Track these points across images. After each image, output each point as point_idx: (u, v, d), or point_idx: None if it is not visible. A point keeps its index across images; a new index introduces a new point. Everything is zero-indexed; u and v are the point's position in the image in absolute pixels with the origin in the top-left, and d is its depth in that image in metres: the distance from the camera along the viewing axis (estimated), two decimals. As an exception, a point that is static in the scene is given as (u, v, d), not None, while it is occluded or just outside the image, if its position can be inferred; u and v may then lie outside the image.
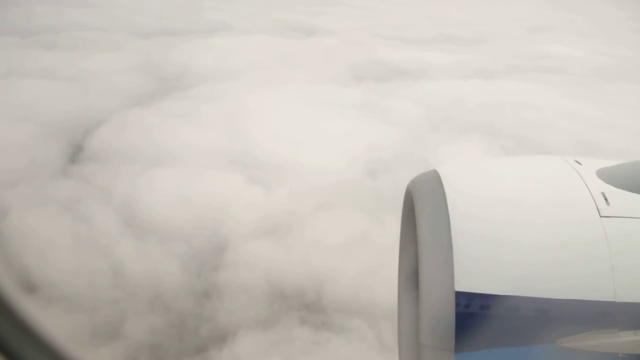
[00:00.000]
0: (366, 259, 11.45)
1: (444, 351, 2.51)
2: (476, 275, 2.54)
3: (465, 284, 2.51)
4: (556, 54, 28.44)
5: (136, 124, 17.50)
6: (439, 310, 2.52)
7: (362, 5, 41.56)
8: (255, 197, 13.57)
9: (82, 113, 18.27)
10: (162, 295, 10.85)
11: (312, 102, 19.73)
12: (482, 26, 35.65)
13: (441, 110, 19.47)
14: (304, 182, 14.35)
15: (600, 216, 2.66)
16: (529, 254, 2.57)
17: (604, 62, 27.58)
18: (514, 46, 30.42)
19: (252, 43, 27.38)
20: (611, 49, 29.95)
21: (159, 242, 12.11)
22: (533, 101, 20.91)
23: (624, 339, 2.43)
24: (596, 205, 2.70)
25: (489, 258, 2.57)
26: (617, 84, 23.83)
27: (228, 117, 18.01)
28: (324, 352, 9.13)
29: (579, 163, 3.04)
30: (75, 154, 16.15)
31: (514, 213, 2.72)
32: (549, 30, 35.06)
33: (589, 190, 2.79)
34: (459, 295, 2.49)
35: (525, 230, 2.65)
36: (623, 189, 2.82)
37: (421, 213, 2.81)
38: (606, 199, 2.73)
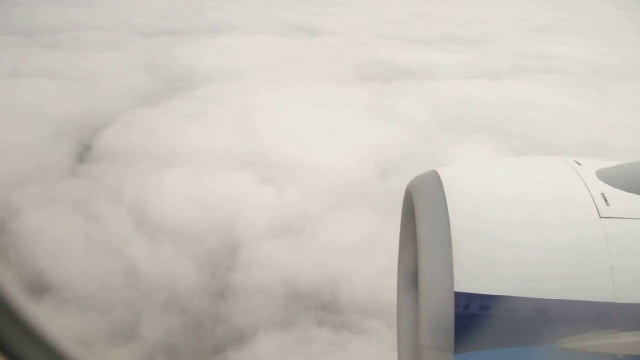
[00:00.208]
0: (381, 259, 11.40)
1: (443, 352, 2.50)
2: (476, 275, 2.54)
3: (465, 284, 2.50)
4: (559, 54, 28.49)
5: (144, 124, 17.44)
6: (438, 310, 2.52)
7: (362, 5, 41.57)
8: (266, 197, 13.53)
9: (89, 113, 18.21)
10: (177, 296, 10.80)
11: (319, 102, 19.70)
12: (483, 26, 35.69)
13: (448, 111, 19.48)
14: (314, 182, 14.31)
15: (600, 217, 2.65)
16: (529, 255, 2.57)
17: (607, 62, 27.66)
18: (516, 46, 30.45)
19: (256, 43, 27.34)
20: (613, 49, 30.03)
21: (171, 242, 12.06)
22: (539, 101, 20.93)
23: (624, 340, 2.42)
24: (596, 206, 2.70)
25: (489, 259, 2.57)
26: (621, 84, 23.88)
27: (236, 117, 17.97)
28: (345, 353, 9.10)
29: (579, 164, 3.04)
30: (84, 153, 16.09)
31: (514, 214, 2.72)
32: (551, 31, 35.17)
33: (589, 191, 2.79)
34: (459, 295, 2.49)
35: (524, 230, 2.65)
36: (623, 189, 2.82)
37: (421, 213, 2.81)
38: (606, 200, 2.73)
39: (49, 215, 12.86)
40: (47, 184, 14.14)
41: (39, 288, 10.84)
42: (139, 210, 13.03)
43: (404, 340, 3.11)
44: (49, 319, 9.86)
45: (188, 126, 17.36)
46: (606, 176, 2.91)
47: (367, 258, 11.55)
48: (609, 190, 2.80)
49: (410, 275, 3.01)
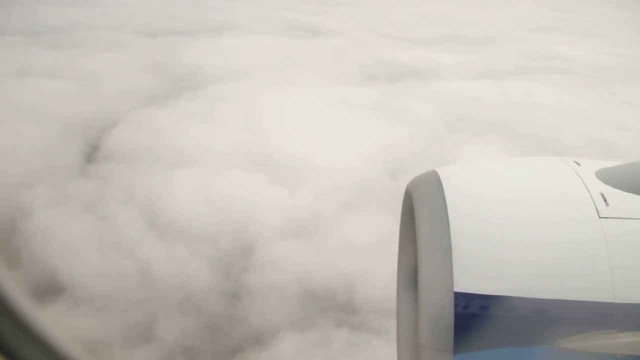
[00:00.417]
0: (395, 259, 11.36)
1: (442, 352, 2.51)
2: (475, 276, 2.54)
3: (465, 284, 2.51)
4: (563, 54, 28.50)
5: (151, 124, 17.39)
6: (438, 311, 2.52)
7: (364, 4, 41.53)
8: (278, 198, 13.48)
9: (96, 112, 18.16)
10: (192, 297, 10.76)
11: (326, 102, 19.67)
12: (485, 26, 35.67)
13: (456, 110, 19.46)
14: (325, 182, 14.27)
15: (600, 217, 2.66)
16: (528, 255, 2.58)
17: (610, 62, 27.67)
18: (520, 46, 30.45)
19: (260, 43, 27.28)
20: (615, 49, 30.06)
21: (184, 242, 12.01)
22: (545, 101, 20.94)
23: (623, 340, 2.43)
24: (595, 206, 2.71)
25: (488, 259, 2.58)
26: (625, 84, 23.89)
27: (243, 117, 17.93)
28: (366, 354, 9.06)
29: (578, 164, 3.05)
30: (92, 153, 16.03)
31: (513, 214, 2.73)
32: (552, 31, 35.17)
33: (588, 191, 2.79)
34: (458, 296, 2.49)
35: (524, 231, 2.66)
36: (622, 190, 2.83)
37: (420, 214, 2.82)
38: (605, 200, 2.74)
39: (60, 215, 12.80)
40: (56, 184, 14.08)
41: (53, 288, 10.80)
42: (151, 210, 12.99)
43: (403, 340, 3.12)
44: (64, 320, 9.81)
45: (196, 126, 17.30)
46: (606, 176, 2.92)
47: (381, 258, 11.49)
48: (609, 190, 2.81)
49: (410, 276, 3.03)
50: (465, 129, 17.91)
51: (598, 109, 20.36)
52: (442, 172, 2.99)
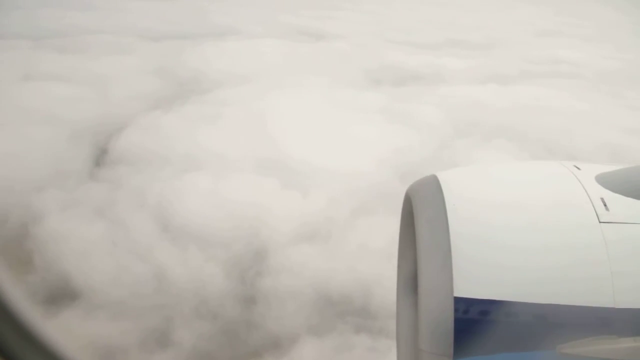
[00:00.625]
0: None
1: (442, 357, 2.50)
2: (475, 280, 2.54)
3: (464, 289, 2.50)
4: (567, 58, 28.60)
5: (160, 128, 17.35)
6: (437, 315, 2.51)
7: (366, 9, 41.61)
8: (291, 202, 13.42)
9: (103, 115, 18.13)
10: (208, 302, 10.69)
11: (333, 106, 19.65)
12: (488, 31, 35.75)
13: (463, 115, 19.45)
14: (336, 186, 14.22)
15: (600, 222, 2.65)
16: (528, 260, 2.56)
17: (614, 66, 27.74)
18: (524, 51, 30.51)
19: (264, 47, 27.30)
20: (619, 54, 30.14)
21: (198, 247, 11.94)
22: (552, 106, 20.96)
23: (624, 345, 2.41)
24: (595, 210, 2.70)
25: (488, 263, 2.57)
26: (631, 88, 23.93)
27: (251, 121, 17.87)
28: None
29: (578, 168, 3.04)
30: (100, 157, 15.97)
31: (513, 218, 2.72)
32: (556, 35, 35.27)
33: (588, 196, 2.78)
34: (458, 300, 2.49)
35: (524, 235, 2.65)
36: (622, 194, 2.81)
37: (420, 218, 2.81)
38: (605, 205, 2.72)
39: (72, 219, 12.73)
40: (67, 187, 14.03)
41: (68, 293, 10.72)
42: (163, 215, 12.91)
43: (403, 345, 3.10)
44: (81, 325, 9.73)
45: (204, 130, 17.26)
46: (605, 181, 2.90)
47: (396, 262, 11.45)
48: (609, 195, 2.79)
49: (410, 280, 3.01)
50: (474, 134, 17.90)
51: (606, 113, 20.37)
52: (442, 177, 2.98)
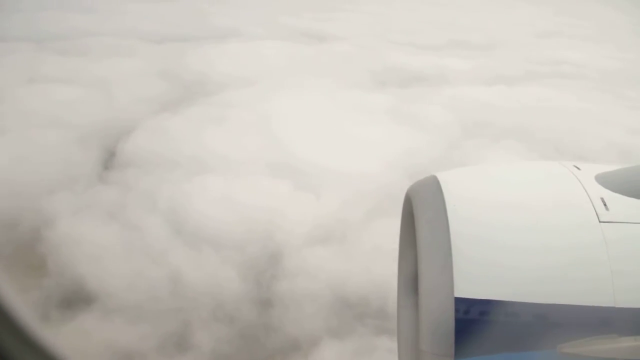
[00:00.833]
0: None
1: (443, 357, 2.50)
2: (476, 280, 2.53)
3: (465, 289, 2.50)
4: (571, 59, 28.63)
5: (167, 130, 17.28)
6: (438, 316, 2.51)
7: (367, 10, 41.61)
8: (304, 204, 13.36)
9: (110, 118, 18.04)
10: (225, 305, 10.62)
11: (340, 107, 19.60)
12: (490, 32, 35.79)
13: (471, 116, 19.43)
14: (347, 187, 14.17)
15: (600, 221, 2.65)
16: (528, 260, 2.56)
17: (617, 66, 27.78)
18: (526, 52, 30.54)
19: (267, 49, 27.24)
20: (620, 54, 30.20)
21: (212, 250, 11.87)
22: (558, 106, 20.97)
23: (624, 345, 2.41)
24: (595, 210, 2.70)
25: (489, 264, 2.56)
26: (634, 89, 23.95)
27: (259, 123, 17.82)
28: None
29: (578, 168, 3.04)
30: (109, 160, 15.90)
31: (513, 218, 2.72)
32: (557, 36, 35.32)
33: (588, 196, 2.78)
34: (459, 301, 2.49)
35: (524, 235, 2.64)
36: (622, 194, 2.81)
37: (420, 218, 2.80)
38: (605, 204, 2.72)
39: (84, 222, 12.65)
40: (77, 191, 13.94)
41: (83, 297, 10.65)
42: (176, 218, 12.84)
43: (404, 345, 3.09)
44: (98, 329, 9.64)
45: (213, 132, 17.19)
46: (605, 180, 2.90)
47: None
48: (609, 194, 2.79)
49: (411, 281, 3.01)
50: (483, 135, 17.87)
51: (612, 114, 20.37)
52: (442, 177, 2.97)
